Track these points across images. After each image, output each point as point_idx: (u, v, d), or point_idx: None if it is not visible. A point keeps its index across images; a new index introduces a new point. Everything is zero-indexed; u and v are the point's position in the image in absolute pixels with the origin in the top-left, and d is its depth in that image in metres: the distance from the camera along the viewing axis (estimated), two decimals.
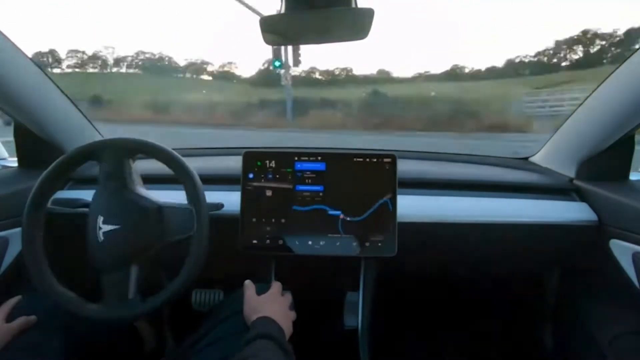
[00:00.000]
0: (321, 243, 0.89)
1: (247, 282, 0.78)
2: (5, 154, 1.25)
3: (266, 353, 0.60)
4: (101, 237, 0.73)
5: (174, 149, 0.79)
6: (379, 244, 0.89)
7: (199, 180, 0.76)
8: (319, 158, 0.91)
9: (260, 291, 0.76)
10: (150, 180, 1.01)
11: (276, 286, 0.79)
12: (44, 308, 0.73)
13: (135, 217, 0.74)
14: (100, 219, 0.73)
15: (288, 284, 0.91)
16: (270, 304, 0.72)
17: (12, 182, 0.95)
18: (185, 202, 0.77)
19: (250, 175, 0.91)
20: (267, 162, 0.91)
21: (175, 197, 0.82)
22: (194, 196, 0.75)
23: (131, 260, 0.74)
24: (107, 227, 0.73)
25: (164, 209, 0.77)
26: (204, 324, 0.77)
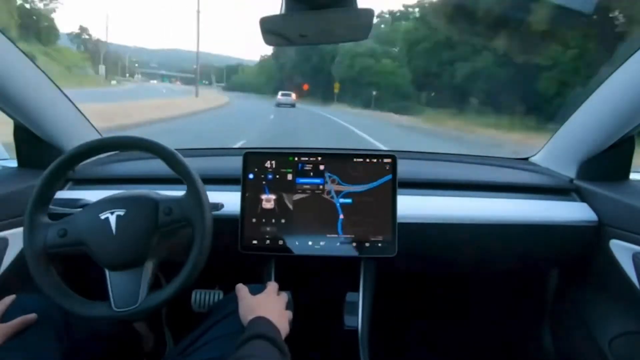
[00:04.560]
0: (321, 243, 0.89)
1: (239, 285, 0.78)
2: (5, 154, 1.25)
3: (261, 353, 0.60)
4: (114, 229, 0.72)
5: (176, 149, 0.78)
6: (379, 245, 0.89)
7: (201, 183, 0.76)
8: (319, 158, 0.91)
9: (255, 292, 0.76)
10: (151, 180, 1.01)
11: (271, 286, 0.79)
12: (40, 308, 0.73)
13: (135, 202, 0.75)
14: (107, 211, 0.73)
15: (288, 284, 0.91)
16: (265, 304, 0.72)
17: (12, 182, 0.95)
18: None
19: (250, 176, 0.91)
20: (267, 162, 0.91)
21: None
22: (197, 198, 0.75)
23: (146, 252, 0.73)
24: (114, 216, 0.73)
25: (159, 198, 0.77)
26: (201, 325, 0.77)
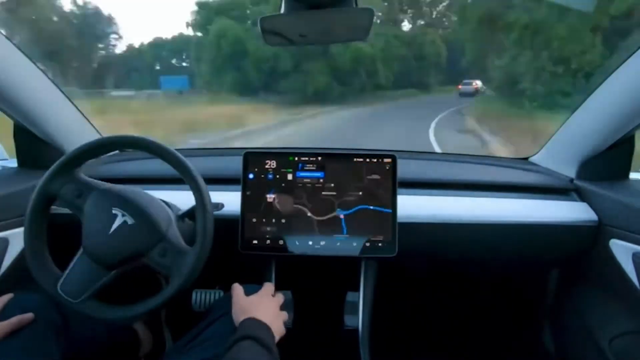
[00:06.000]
0: (321, 243, 0.89)
1: (235, 284, 0.78)
2: (5, 154, 1.26)
3: (250, 355, 0.60)
4: (112, 229, 0.72)
5: (176, 149, 0.78)
6: (379, 244, 0.89)
7: (204, 183, 0.76)
8: (319, 158, 0.92)
9: (251, 292, 0.76)
10: (151, 180, 1.01)
11: (267, 287, 0.79)
12: (39, 308, 0.73)
13: (147, 221, 0.74)
14: (120, 209, 0.73)
15: (288, 284, 0.91)
16: (258, 305, 0.72)
17: (12, 182, 0.95)
18: (187, 205, 0.77)
19: (251, 176, 0.91)
20: (268, 162, 0.91)
21: (177, 197, 0.82)
22: (199, 201, 0.74)
23: (120, 264, 0.72)
24: (122, 219, 0.72)
25: (165, 234, 0.75)
26: (197, 324, 0.77)
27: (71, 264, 0.73)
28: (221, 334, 0.71)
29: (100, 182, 0.78)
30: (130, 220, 0.72)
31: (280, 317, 0.74)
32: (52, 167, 0.75)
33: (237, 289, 0.76)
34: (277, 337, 0.68)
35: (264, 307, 0.72)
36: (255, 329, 0.65)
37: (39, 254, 0.73)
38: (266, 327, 0.67)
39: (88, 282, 0.72)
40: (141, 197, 0.77)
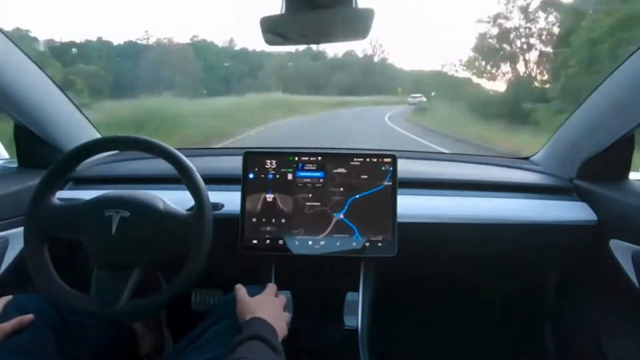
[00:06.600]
0: (321, 243, 0.89)
1: (238, 285, 0.78)
2: (5, 154, 1.26)
3: (256, 354, 0.60)
4: (114, 229, 0.72)
5: (177, 149, 0.78)
6: (379, 244, 0.89)
7: (202, 181, 0.76)
8: (319, 158, 0.92)
9: (254, 292, 0.77)
10: (151, 180, 1.01)
11: (270, 287, 0.80)
12: (39, 309, 0.73)
13: (141, 207, 0.74)
14: (112, 210, 0.73)
15: (288, 284, 0.91)
16: (263, 305, 0.72)
17: (12, 182, 0.95)
18: (186, 205, 0.77)
19: (251, 176, 0.91)
20: (268, 162, 0.91)
21: (176, 197, 0.82)
22: (199, 201, 0.75)
23: (137, 259, 0.73)
24: (118, 216, 0.73)
25: (165, 211, 0.76)
26: (199, 325, 0.77)
27: (93, 284, 0.73)
28: (222, 336, 0.71)
29: (74, 199, 0.79)
30: (126, 214, 0.73)
31: (283, 318, 0.75)
32: (52, 165, 0.75)
33: (241, 290, 0.77)
34: (280, 338, 0.69)
35: (268, 307, 0.73)
36: (262, 329, 0.65)
37: (58, 287, 0.73)
38: (272, 327, 0.67)
39: (118, 290, 0.72)
40: (124, 192, 0.78)
